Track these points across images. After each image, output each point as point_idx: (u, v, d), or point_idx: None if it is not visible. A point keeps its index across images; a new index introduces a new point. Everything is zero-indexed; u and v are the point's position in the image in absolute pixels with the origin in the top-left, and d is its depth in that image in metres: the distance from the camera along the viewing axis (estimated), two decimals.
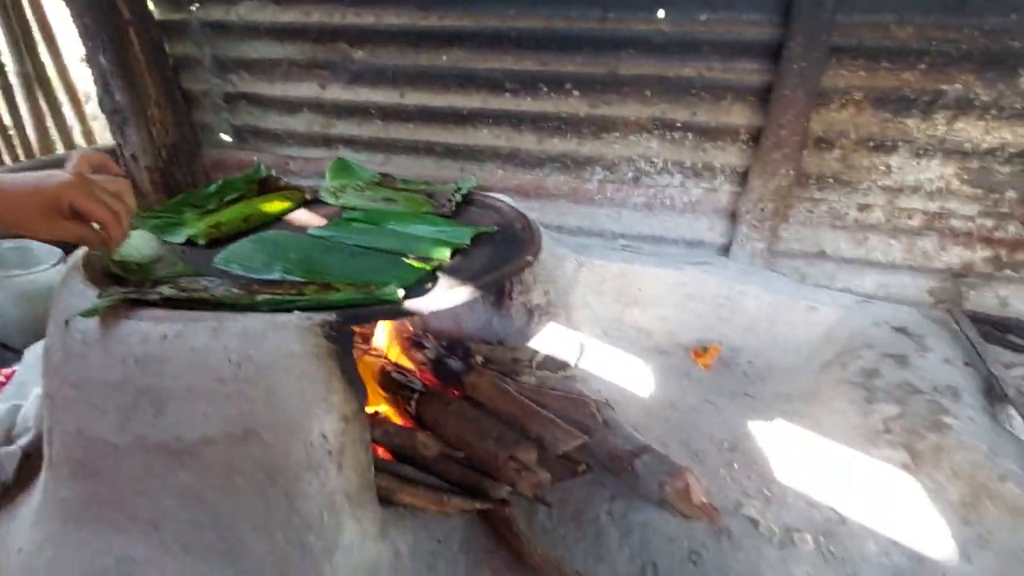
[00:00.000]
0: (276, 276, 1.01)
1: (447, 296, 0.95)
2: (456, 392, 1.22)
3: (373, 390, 1.19)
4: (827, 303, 1.53)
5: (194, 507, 0.80)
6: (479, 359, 1.29)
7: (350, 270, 1.05)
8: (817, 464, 1.13)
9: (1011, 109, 1.51)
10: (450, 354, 1.28)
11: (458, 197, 1.48)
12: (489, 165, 1.96)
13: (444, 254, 1.16)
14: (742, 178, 1.77)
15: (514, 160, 1.94)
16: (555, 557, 0.90)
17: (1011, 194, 1.62)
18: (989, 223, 1.66)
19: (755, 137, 1.70)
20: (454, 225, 1.31)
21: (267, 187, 1.44)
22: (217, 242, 1.15)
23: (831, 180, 1.72)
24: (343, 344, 0.80)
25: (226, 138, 2.26)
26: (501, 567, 0.92)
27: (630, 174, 1.86)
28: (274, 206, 1.35)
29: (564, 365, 1.33)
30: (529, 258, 1.12)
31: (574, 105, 1.82)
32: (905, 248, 1.74)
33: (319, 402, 0.77)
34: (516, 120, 1.89)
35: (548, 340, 1.46)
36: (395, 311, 0.91)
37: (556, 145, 1.88)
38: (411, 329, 1.44)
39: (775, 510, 1.04)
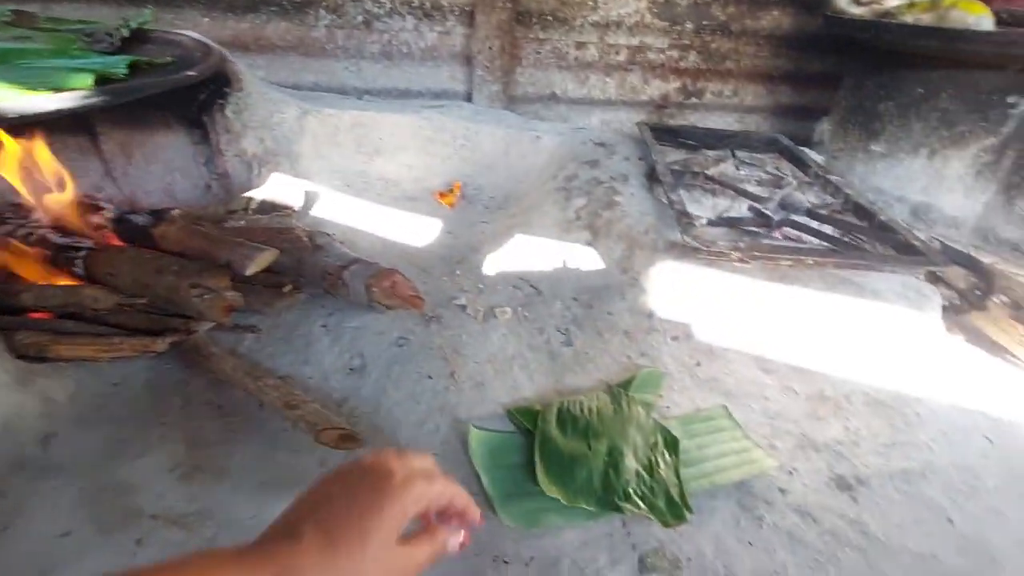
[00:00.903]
0: None
1: (60, 100, 0.79)
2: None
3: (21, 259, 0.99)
4: (549, 131, 1.67)
5: None
6: (176, 213, 1.15)
7: None
8: (525, 256, 1.27)
9: None
10: (137, 213, 1.11)
11: (124, 33, 1.23)
12: (189, 12, 1.66)
13: (85, 81, 0.96)
14: (470, 18, 1.76)
15: (219, 4, 1.66)
16: (249, 364, 0.88)
17: (689, 26, 1.89)
18: (675, 55, 1.93)
19: None
20: (109, 58, 1.09)
21: None
22: None
23: (550, 18, 1.80)
24: None
25: None
26: (197, 392, 0.87)
27: (359, 17, 1.73)
28: None
29: (281, 208, 1.26)
30: (192, 73, 0.98)
31: None
32: (618, 84, 1.95)
33: None
34: None
35: (273, 190, 1.36)
36: None
37: None
38: (89, 198, 1.22)
39: (484, 297, 1.16)
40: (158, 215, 1.11)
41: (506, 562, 0.71)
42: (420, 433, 0.85)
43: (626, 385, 0.96)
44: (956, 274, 1.35)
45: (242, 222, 1.18)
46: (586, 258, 1.24)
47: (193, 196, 1.44)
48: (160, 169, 1.31)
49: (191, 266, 0.93)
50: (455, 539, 0.42)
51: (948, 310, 1.23)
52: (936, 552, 0.78)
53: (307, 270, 1.08)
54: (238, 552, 0.33)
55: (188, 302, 0.90)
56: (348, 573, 0.34)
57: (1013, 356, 1.17)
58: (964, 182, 1.54)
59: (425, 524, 0.42)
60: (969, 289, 1.33)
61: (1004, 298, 1.25)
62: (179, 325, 0.94)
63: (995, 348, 1.20)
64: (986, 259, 1.35)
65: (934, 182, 1.60)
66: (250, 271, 0.94)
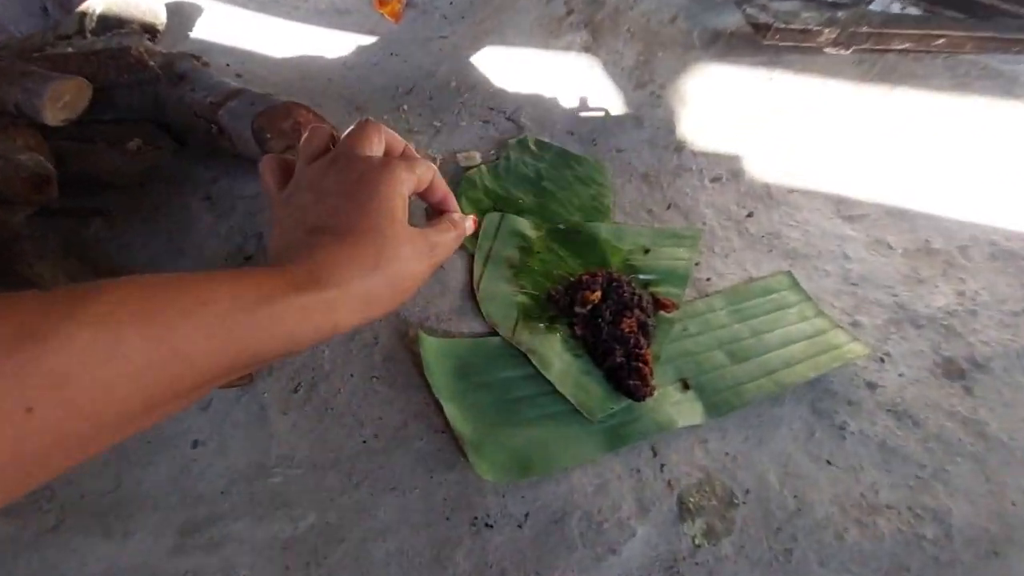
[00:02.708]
0: None
1: None
2: None
3: None
4: None
5: None
6: None
7: None
8: (498, 77, 0.89)
9: None
10: None
11: None
12: None
13: None
14: None
15: None
16: (78, 265, 0.59)
17: None
18: None
19: None
20: None
21: None
22: None
23: None
24: None
25: None
26: None
27: None
28: None
29: (129, 24, 0.84)
30: None
31: None
32: None
33: None
34: None
35: (124, 2, 0.92)
36: None
37: None
38: None
39: (442, 139, 0.81)
40: None
41: (489, 525, 0.49)
42: (350, 348, 0.58)
43: (646, 252, 0.68)
44: None
45: (69, 49, 0.79)
46: (585, 70, 0.86)
47: (29, 25, 1.01)
48: None
49: None
50: (468, 220, 0.39)
51: None
52: None
53: (170, 114, 0.72)
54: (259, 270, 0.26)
55: None
56: (379, 258, 0.29)
57: None
58: None
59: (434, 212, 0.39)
60: None
61: None
62: None
63: None
64: None
65: None
66: (50, 116, 0.59)
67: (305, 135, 0.36)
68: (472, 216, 0.40)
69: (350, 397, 0.54)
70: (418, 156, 0.37)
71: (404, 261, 0.30)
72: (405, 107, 0.88)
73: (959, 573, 0.50)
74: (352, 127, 0.35)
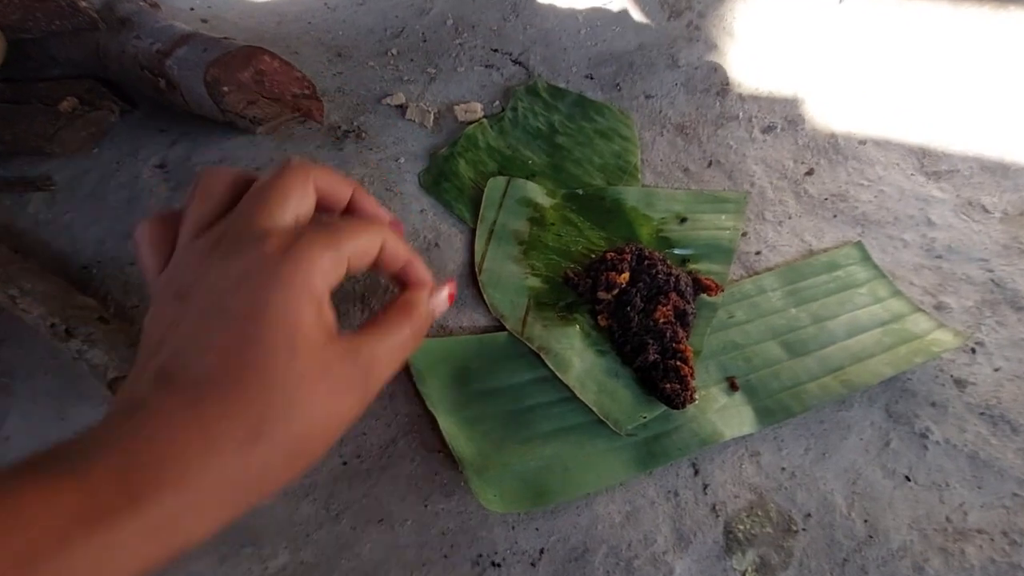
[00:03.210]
0: None
1: None
2: None
3: None
4: None
5: None
6: None
7: None
8: (506, 2, 0.75)
9: None
10: None
11: None
12: None
13: None
14: None
15: None
16: (5, 252, 0.49)
17: None
18: None
19: None
20: None
21: None
22: None
23: None
24: None
25: None
26: None
27: None
28: None
29: None
30: None
31: None
32: None
33: None
34: None
35: None
36: None
37: None
38: None
39: (437, 88, 0.69)
40: None
41: (496, 564, 0.41)
42: None
43: (682, 221, 0.56)
44: None
45: None
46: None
47: None
48: None
49: None
50: (439, 297, 0.26)
51: None
52: None
53: (114, 67, 0.61)
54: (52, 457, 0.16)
55: None
56: (262, 422, 0.18)
57: None
58: None
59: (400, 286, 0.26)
60: None
61: None
62: None
63: None
64: None
65: None
66: None
67: (194, 185, 0.23)
68: (449, 284, 0.27)
69: None
70: (364, 217, 0.26)
71: (314, 408, 0.19)
72: (394, 51, 0.75)
73: None
74: (268, 172, 0.23)
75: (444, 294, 0.27)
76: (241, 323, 0.19)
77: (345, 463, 0.44)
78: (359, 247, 0.22)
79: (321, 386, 0.20)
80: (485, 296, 0.51)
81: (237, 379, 0.18)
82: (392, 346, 0.23)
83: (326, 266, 0.20)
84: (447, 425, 0.43)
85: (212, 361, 0.18)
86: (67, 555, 0.14)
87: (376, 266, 0.24)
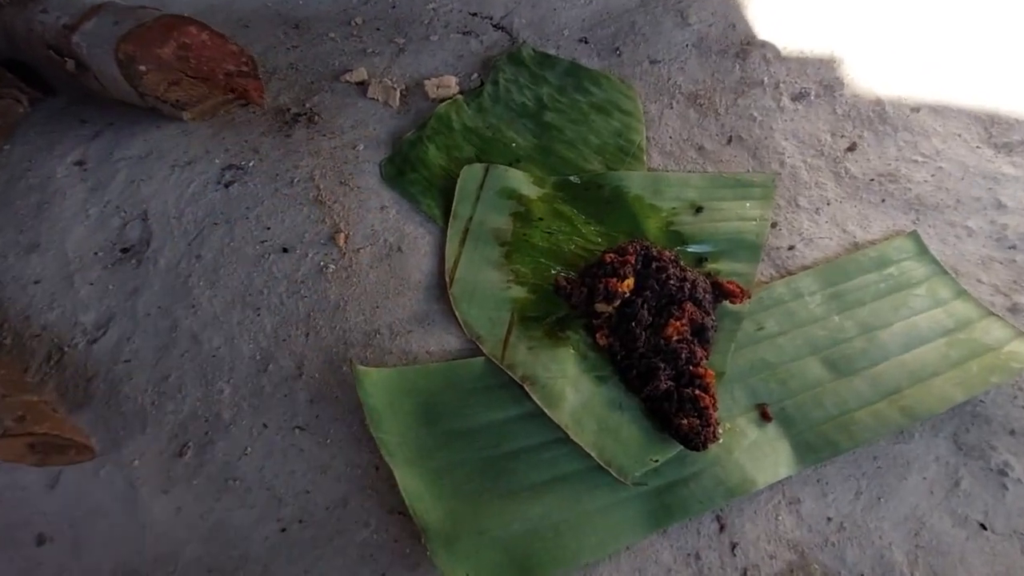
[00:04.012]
0: None
1: None
2: None
3: None
4: None
5: None
6: None
7: None
8: None
9: None
10: None
11: None
12: None
13: None
14: None
15: None
16: None
17: None
18: None
19: None
20: None
21: None
22: None
23: None
24: None
25: None
26: None
27: None
28: None
29: None
30: None
31: None
32: None
33: None
34: None
35: None
36: None
37: None
38: None
39: (405, 61, 0.59)
40: None
41: None
42: (261, 384, 0.40)
43: (698, 211, 0.47)
44: None
45: None
46: None
47: None
48: None
49: None
50: None
51: None
52: None
53: (22, 48, 0.52)
54: None
55: None
56: None
57: None
58: None
59: None
60: None
61: None
62: None
63: None
64: None
65: None
66: None
67: None
68: None
69: (262, 460, 0.37)
70: None
71: None
72: (359, 20, 0.65)
73: None
74: None
75: None
76: None
77: (284, 529, 0.35)
78: None
79: None
80: (457, 312, 0.42)
81: None
82: None
83: None
84: (407, 481, 0.34)
85: None
86: None
87: None
